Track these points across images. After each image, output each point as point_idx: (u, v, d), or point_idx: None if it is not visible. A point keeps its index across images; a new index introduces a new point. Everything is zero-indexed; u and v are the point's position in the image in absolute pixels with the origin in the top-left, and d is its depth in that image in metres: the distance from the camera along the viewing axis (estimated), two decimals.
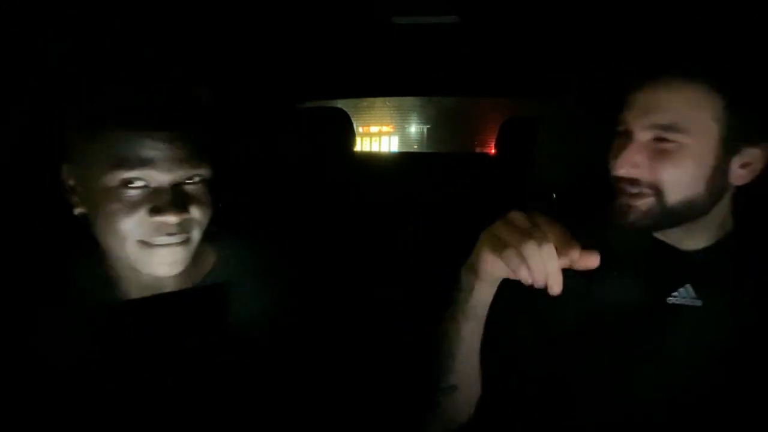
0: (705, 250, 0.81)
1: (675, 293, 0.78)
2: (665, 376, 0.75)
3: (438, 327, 0.77)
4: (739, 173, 0.76)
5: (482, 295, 0.73)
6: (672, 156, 0.74)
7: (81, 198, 0.73)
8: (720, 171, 0.75)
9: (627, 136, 0.77)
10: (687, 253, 0.81)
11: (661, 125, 0.74)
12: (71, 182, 0.74)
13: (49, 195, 0.76)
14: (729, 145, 0.74)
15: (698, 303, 0.78)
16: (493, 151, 2.02)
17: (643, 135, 0.75)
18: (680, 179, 0.74)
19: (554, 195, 1.44)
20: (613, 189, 0.79)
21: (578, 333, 0.79)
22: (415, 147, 8.61)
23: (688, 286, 0.79)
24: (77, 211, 0.74)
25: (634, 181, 0.75)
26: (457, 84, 2.07)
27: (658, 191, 0.75)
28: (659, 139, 0.74)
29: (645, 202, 0.75)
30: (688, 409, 0.74)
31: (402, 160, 2.54)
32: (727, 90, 0.73)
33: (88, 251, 0.77)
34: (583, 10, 1.33)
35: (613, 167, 0.77)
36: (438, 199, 1.77)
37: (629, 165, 0.75)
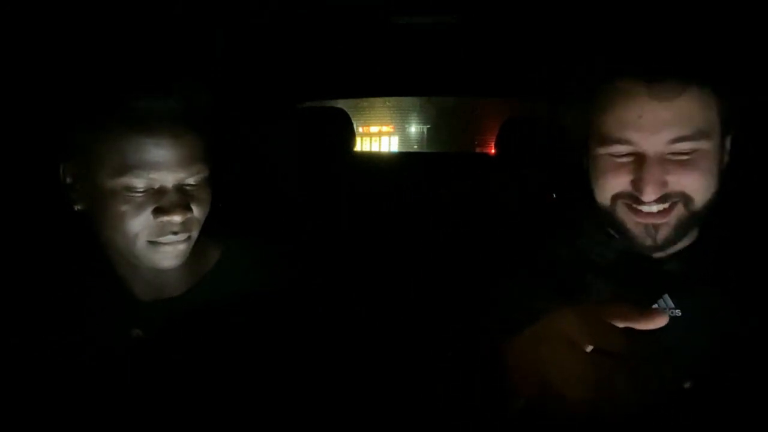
0: (678, 254, 0.78)
1: (655, 305, 0.76)
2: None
3: None
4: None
5: None
6: (696, 163, 0.70)
7: (81, 196, 0.74)
8: (722, 164, 0.74)
9: (636, 157, 0.72)
10: (662, 261, 0.78)
11: (683, 136, 0.69)
12: (70, 180, 0.75)
13: (49, 191, 0.77)
14: (724, 138, 0.73)
15: (677, 313, 0.75)
16: (493, 151, 2.02)
17: (660, 150, 0.70)
18: (706, 183, 0.71)
19: (554, 195, 1.44)
20: (611, 212, 0.75)
21: None
22: (415, 147, 8.62)
23: (666, 296, 0.76)
24: (76, 207, 0.74)
25: (662, 198, 0.71)
26: (457, 84, 2.07)
27: (687, 199, 0.71)
28: (675, 151, 0.70)
29: (673, 215, 0.72)
30: (685, 421, 0.73)
31: (402, 160, 2.53)
32: (721, 86, 0.71)
33: (87, 245, 0.78)
34: (582, 11, 1.33)
35: (643, 193, 0.71)
36: (438, 199, 1.77)
37: (659, 186, 0.70)
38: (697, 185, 0.71)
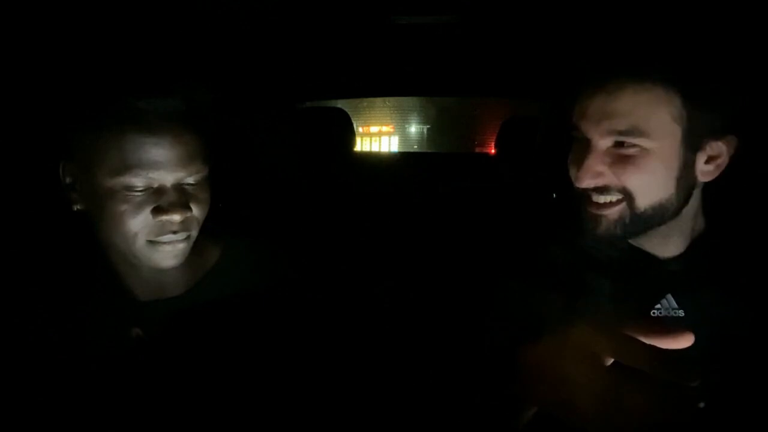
0: (681, 255, 0.78)
1: (658, 305, 0.76)
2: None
3: None
4: (705, 169, 0.74)
5: None
6: (636, 161, 0.71)
7: (80, 196, 0.74)
8: (687, 169, 0.73)
9: (585, 144, 0.74)
10: (665, 261, 0.78)
11: (620, 131, 0.70)
12: (69, 180, 0.75)
13: (48, 190, 0.77)
14: (693, 142, 0.72)
15: (680, 313, 0.75)
16: (493, 151, 2.02)
17: (602, 142, 0.72)
18: (649, 183, 0.72)
19: (554, 195, 1.44)
20: (577, 198, 0.77)
21: None
22: (415, 147, 8.62)
23: (669, 296, 0.76)
24: (76, 207, 0.74)
25: (602, 189, 0.73)
26: (457, 84, 2.07)
27: (628, 196, 0.72)
28: (620, 145, 0.71)
29: (615, 210, 0.73)
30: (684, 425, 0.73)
31: (402, 160, 2.54)
32: (684, 88, 0.70)
33: (87, 245, 0.78)
34: (579, 11, 1.33)
35: (576, 179, 0.74)
36: (438, 199, 1.77)
37: (592, 175, 0.72)
38: (637, 184, 0.72)
